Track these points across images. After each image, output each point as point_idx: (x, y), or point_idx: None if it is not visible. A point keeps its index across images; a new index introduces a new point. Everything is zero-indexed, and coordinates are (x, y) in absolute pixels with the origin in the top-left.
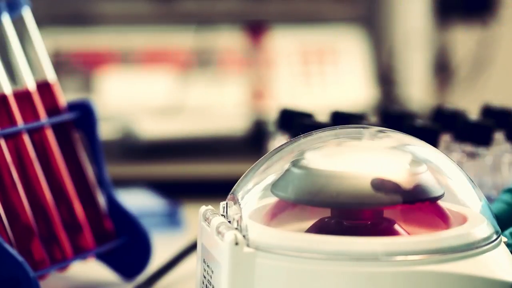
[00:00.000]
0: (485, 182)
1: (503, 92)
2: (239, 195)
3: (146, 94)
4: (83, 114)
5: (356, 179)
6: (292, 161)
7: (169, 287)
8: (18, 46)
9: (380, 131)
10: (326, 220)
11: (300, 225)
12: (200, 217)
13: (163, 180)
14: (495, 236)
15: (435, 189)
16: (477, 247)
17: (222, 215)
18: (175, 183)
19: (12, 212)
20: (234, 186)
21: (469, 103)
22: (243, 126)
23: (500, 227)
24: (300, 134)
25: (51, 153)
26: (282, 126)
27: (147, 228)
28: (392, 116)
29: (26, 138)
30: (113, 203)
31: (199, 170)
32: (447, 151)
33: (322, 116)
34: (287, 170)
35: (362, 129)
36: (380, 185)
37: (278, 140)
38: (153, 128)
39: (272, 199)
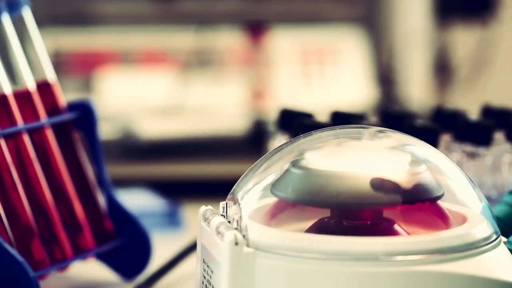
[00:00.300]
0: (485, 182)
1: (503, 92)
2: (239, 195)
3: (146, 94)
4: (83, 114)
5: (356, 179)
6: (292, 161)
7: (169, 287)
8: (18, 46)
9: (380, 131)
10: (326, 220)
11: (300, 225)
12: (200, 217)
13: (163, 180)
14: (495, 236)
15: (435, 189)
16: (477, 247)
17: (222, 215)
18: (175, 183)
19: (12, 212)
20: (234, 186)
21: (469, 103)
22: (243, 126)
23: (505, 230)
24: (300, 134)
25: (51, 153)
26: (282, 126)
27: (147, 228)
28: (392, 116)
29: (26, 138)
30: (113, 203)
31: (199, 170)
32: (447, 151)
33: (322, 116)
34: (287, 170)
35: (362, 129)
36: (380, 185)
37: (278, 140)
38: (153, 128)
39: (272, 199)
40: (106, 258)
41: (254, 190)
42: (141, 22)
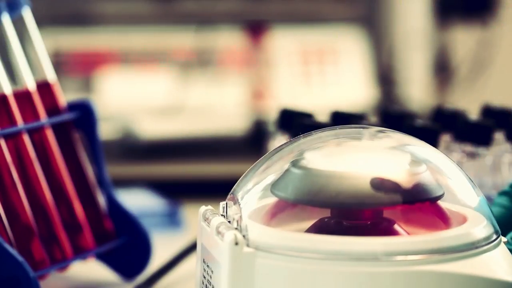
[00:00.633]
0: (485, 182)
1: (503, 92)
2: (239, 195)
3: (146, 94)
4: (83, 114)
5: (356, 179)
6: (292, 161)
7: (169, 287)
8: (18, 46)
9: (380, 131)
10: (326, 220)
11: (300, 225)
12: (200, 217)
13: (163, 180)
14: (495, 236)
15: (435, 189)
16: (477, 247)
17: (222, 215)
18: (175, 183)
19: (12, 212)
20: (234, 186)
21: (469, 103)
22: (243, 126)
23: (501, 231)
24: (300, 134)
25: (51, 153)
26: (282, 126)
27: (147, 228)
28: (392, 116)
29: (26, 138)
30: (113, 203)
31: (199, 170)
32: (447, 151)
33: (322, 116)
34: (287, 170)
35: (362, 129)
36: (380, 185)
37: (278, 140)
38: (153, 128)
39: (272, 199)
40: (106, 258)
41: (254, 190)
42: (141, 22)
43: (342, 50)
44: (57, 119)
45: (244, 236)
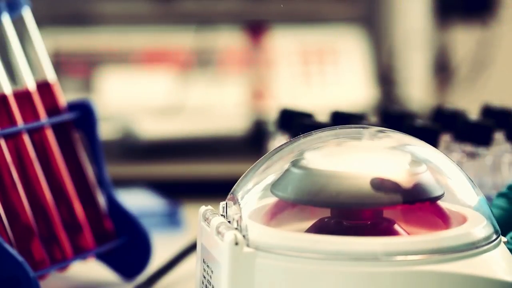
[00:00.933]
0: (485, 182)
1: (503, 92)
2: (239, 195)
3: (146, 94)
4: (83, 114)
5: (356, 179)
6: (292, 161)
7: (169, 287)
8: (18, 46)
9: (380, 131)
10: (326, 220)
11: (300, 225)
12: (200, 217)
13: (163, 180)
14: (495, 236)
15: (435, 189)
16: (477, 247)
17: (222, 215)
18: (175, 183)
19: (12, 212)
20: (234, 186)
21: (469, 103)
22: (243, 126)
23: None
24: (300, 134)
25: (51, 153)
26: (282, 126)
27: (147, 228)
28: (392, 116)
29: (26, 138)
30: (113, 203)
31: (199, 170)
32: (447, 151)
33: (322, 116)
34: (287, 170)
35: (362, 129)
36: (380, 185)
37: (278, 140)
38: (153, 128)
39: (272, 199)
40: (106, 258)
41: (254, 190)
42: (141, 22)
43: (342, 50)
44: (57, 119)
45: (244, 236)
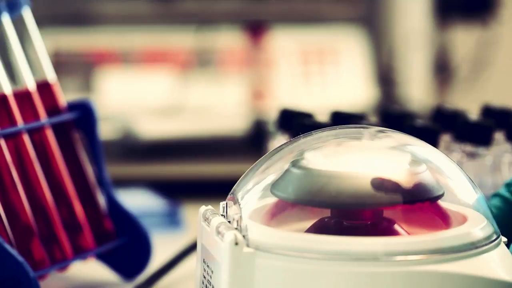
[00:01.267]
0: (485, 182)
1: (503, 92)
2: (239, 195)
3: (146, 94)
4: (83, 114)
5: (356, 179)
6: (292, 161)
7: (169, 287)
8: (18, 46)
9: (380, 131)
10: (326, 220)
11: (300, 225)
12: (200, 217)
13: (163, 180)
14: (495, 236)
15: (435, 189)
16: (477, 247)
17: (222, 215)
18: (175, 183)
19: (12, 212)
20: (234, 186)
21: (469, 103)
22: (243, 126)
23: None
24: (300, 134)
25: (51, 153)
26: (282, 126)
27: (147, 228)
28: (392, 116)
29: (26, 138)
30: (113, 203)
31: (199, 170)
32: (447, 151)
33: (322, 116)
34: (287, 170)
35: (362, 129)
36: (380, 185)
37: (278, 140)
38: (153, 128)
39: (272, 199)
40: (106, 258)
41: (254, 190)
42: (141, 22)
43: (342, 50)
44: (57, 119)
45: (244, 236)
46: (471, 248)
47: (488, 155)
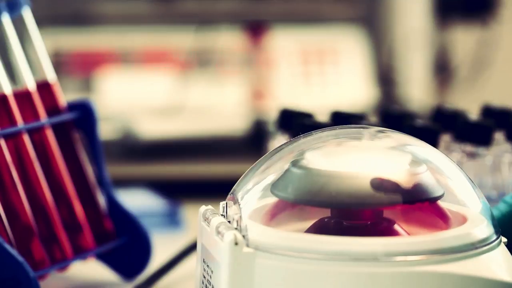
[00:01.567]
0: (485, 182)
1: (503, 92)
2: (239, 195)
3: (146, 94)
4: (83, 114)
5: (356, 179)
6: (292, 161)
7: (169, 287)
8: (18, 46)
9: (380, 131)
10: (326, 220)
11: (300, 225)
12: (200, 217)
13: (163, 180)
14: (495, 237)
15: (435, 189)
16: (477, 248)
17: (222, 215)
18: (175, 183)
19: (12, 212)
20: (234, 186)
21: (469, 103)
22: (243, 126)
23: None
24: (300, 134)
25: (51, 153)
26: (282, 126)
27: (147, 228)
28: (392, 116)
29: (26, 138)
30: (113, 203)
31: (199, 170)
32: (447, 151)
33: (322, 116)
34: (287, 170)
35: (362, 129)
36: (380, 185)
37: (278, 140)
38: (153, 128)
39: (272, 199)
40: (106, 258)
41: (254, 190)
42: (141, 22)
43: (342, 50)
44: (57, 119)
45: (244, 236)
46: (471, 248)
47: (488, 155)
